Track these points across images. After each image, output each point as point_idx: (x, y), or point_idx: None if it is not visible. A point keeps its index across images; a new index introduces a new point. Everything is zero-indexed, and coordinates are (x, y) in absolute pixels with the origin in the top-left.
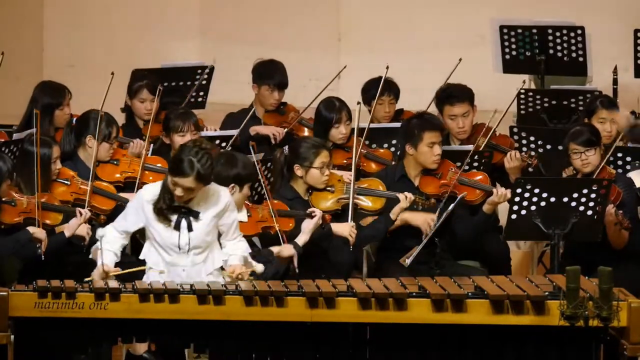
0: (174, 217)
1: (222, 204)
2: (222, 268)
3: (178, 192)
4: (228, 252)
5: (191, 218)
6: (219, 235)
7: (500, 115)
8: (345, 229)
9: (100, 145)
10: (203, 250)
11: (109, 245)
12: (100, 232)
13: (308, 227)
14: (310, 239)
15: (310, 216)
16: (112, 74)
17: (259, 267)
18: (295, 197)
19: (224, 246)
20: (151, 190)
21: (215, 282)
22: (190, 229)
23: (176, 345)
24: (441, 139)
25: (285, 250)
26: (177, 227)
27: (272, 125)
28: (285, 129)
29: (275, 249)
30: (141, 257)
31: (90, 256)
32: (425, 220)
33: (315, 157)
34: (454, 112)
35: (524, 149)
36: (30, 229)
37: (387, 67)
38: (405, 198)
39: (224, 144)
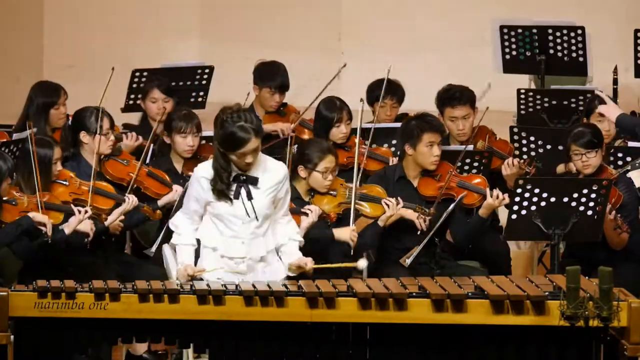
0: (233, 188)
1: (281, 176)
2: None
3: (248, 159)
4: (287, 232)
5: (250, 186)
6: None
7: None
8: (346, 234)
9: (94, 139)
10: (263, 223)
11: (184, 238)
12: (172, 222)
13: (302, 225)
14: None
15: (306, 214)
16: (113, 69)
17: (362, 263)
18: (295, 197)
19: (276, 222)
20: (207, 166)
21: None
22: (250, 196)
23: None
24: (440, 140)
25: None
26: (237, 196)
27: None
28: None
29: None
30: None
31: (170, 248)
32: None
33: (320, 161)
34: (455, 114)
35: (524, 149)
36: (31, 213)
37: (389, 69)
38: (388, 207)
39: None
